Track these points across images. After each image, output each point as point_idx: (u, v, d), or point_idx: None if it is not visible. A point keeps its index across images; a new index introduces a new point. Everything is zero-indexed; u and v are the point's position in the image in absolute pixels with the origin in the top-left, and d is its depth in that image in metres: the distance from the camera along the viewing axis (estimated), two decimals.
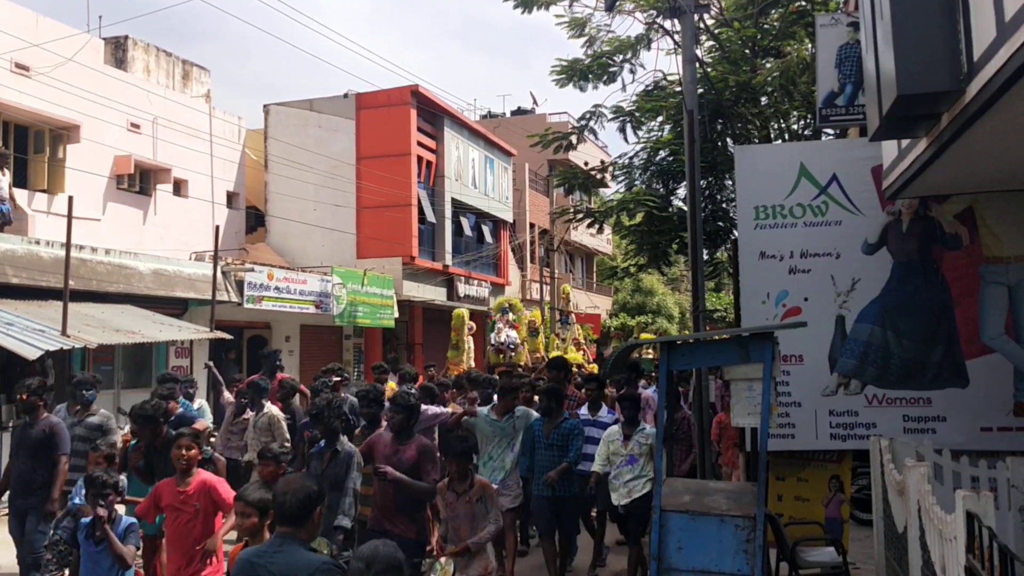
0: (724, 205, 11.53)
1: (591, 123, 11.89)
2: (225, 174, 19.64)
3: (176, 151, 17.44)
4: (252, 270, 15.79)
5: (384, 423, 7.85)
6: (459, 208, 24.44)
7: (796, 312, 6.77)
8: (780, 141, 11.75)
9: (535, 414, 7.10)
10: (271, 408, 8.33)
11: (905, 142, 5.39)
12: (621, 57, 11.43)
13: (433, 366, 13.73)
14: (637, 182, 11.95)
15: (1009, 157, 5.05)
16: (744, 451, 8.23)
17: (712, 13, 11.22)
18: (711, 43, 11.94)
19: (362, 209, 21.53)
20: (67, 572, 5.87)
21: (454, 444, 5.66)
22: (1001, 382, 6.37)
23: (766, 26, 11.29)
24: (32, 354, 9.02)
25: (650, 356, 17.37)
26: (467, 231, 25.03)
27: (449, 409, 8.17)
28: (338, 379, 9.43)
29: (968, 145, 4.59)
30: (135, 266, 13.56)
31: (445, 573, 4.90)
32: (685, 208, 9.37)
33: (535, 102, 36.85)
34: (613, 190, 13.53)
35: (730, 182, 11.17)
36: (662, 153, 11.73)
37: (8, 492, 6.57)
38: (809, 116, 11.18)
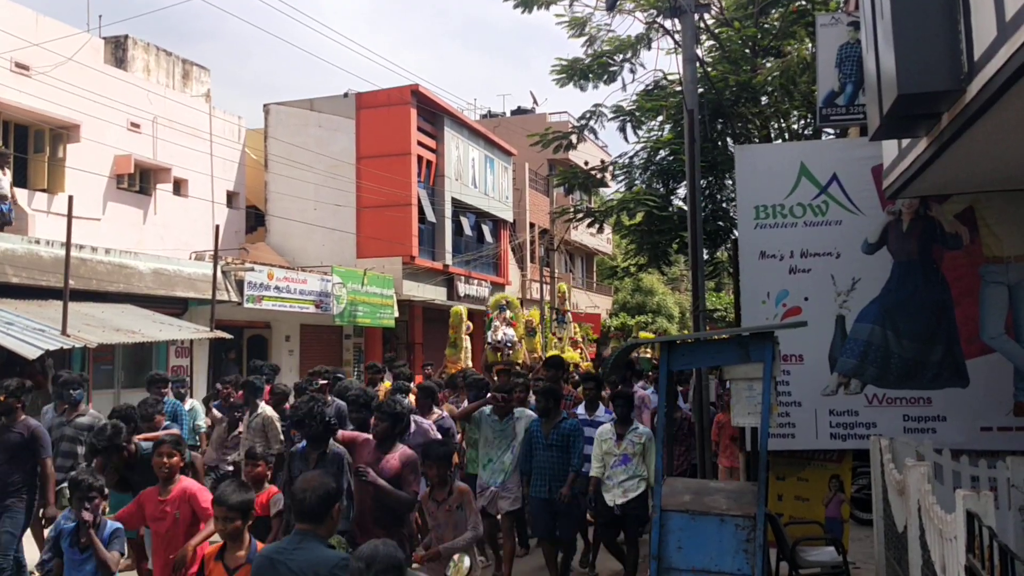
0: (724, 205, 11.53)
1: (591, 122, 11.89)
2: (225, 174, 19.65)
3: (176, 151, 17.45)
4: (252, 270, 15.79)
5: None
6: (459, 208, 24.45)
7: (796, 312, 6.76)
8: (780, 141, 11.75)
9: (534, 415, 7.01)
10: (265, 409, 8.16)
11: (905, 142, 5.38)
12: (621, 56, 11.43)
13: (430, 365, 13.69)
14: (637, 182, 11.95)
15: (1009, 157, 5.05)
16: (744, 451, 8.24)
17: (712, 13, 11.22)
18: (711, 43, 11.94)
19: (362, 209, 21.54)
20: None
21: (434, 447, 5.52)
22: (1001, 382, 6.37)
23: (766, 26, 11.29)
24: (32, 353, 9.03)
25: (648, 355, 17.34)
26: (467, 231, 25.04)
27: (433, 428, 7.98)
28: (324, 381, 9.27)
29: (968, 145, 4.59)
30: (135, 266, 13.56)
31: (459, 571, 4.83)
32: (685, 208, 9.37)
33: (535, 102, 36.88)
34: (613, 190, 13.54)
35: (730, 182, 11.17)
36: (662, 153, 11.73)
37: None
38: (809, 116, 11.18)
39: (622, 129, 11.66)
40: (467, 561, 4.78)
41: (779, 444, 6.71)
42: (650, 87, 11.96)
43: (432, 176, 23.04)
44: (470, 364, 15.31)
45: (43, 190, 14.55)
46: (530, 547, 8.10)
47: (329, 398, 8.69)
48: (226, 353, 17.09)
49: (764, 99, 11.19)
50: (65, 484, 5.92)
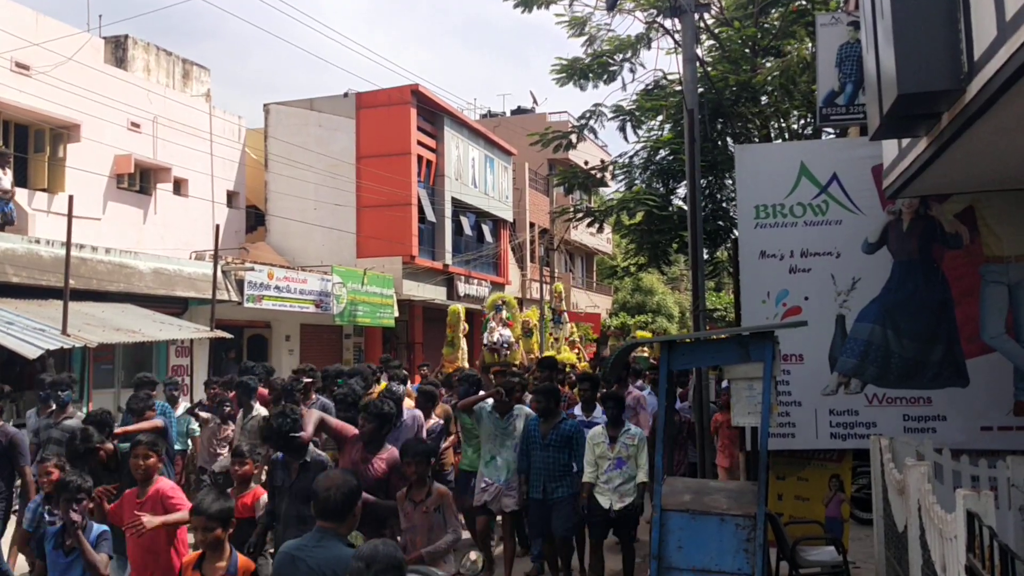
0: (724, 204, 11.52)
1: (591, 122, 11.89)
2: (225, 173, 19.66)
3: (176, 150, 17.45)
4: (252, 269, 15.80)
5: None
6: (459, 207, 24.45)
7: (796, 311, 6.76)
8: (780, 140, 11.75)
9: (532, 413, 6.95)
10: (260, 410, 8.05)
11: (905, 141, 5.38)
12: (621, 56, 11.44)
13: (427, 365, 13.60)
14: (637, 181, 11.95)
15: (1009, 156, 5.05)
16: (744, 450, 8.23)
17: (712, 12, 11.22)
18: (711, 42, 11.95)
19: (362, 208, 21.55)
20: None
21: (414, 444, 5.33)
22: (1001, 381, 6.37)
23: (766, 25, 11.29)
24: (32, 353, 9.03)
25: (645, 355, 17.24)
26: (467, 230, 25.04)
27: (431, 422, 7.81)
28: (309, 380, 9.24)
29: (968, 144, 4.59)
30: (135, 265, 13.56)
31: (475, 566, 4.79)
32: (685, 207, 9.36)
33: (535, 101, 36.89)
34: (613, 189, 13.54)
35: (730, 181, 11.17)
36: (662, 152, 11.73)
37: None
38: (809, 115, 11.18)
39: (622, 129, 11.67)
40: (473, 555, 4.73)
41: (779, 444, 6.71)
42: (650, 87, 11.97)
43: (432, 176, 23.04)
44: (467, 364, 15.22)
45: (43, 190, 14.56)
46: (530, 547, 8.08)
47: (314, 396, 8.68)
48: (226, 353, 17.09)
49: (764, 99, 11.19)
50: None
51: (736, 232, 9.77)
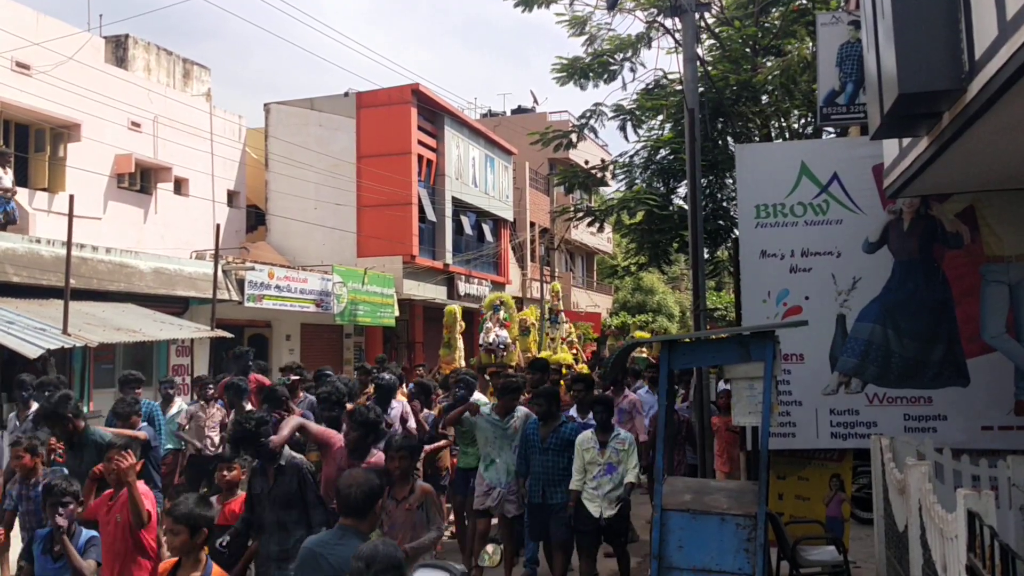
0: (725, 204, 11.52)
1: (591, 121, 11.88)
2: (226, 173, 19.66)
3: (177, 150, 17.46)
4: (253, 269, 15.81)
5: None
6: (459, 207, 24.45)
7: (797, 311, 6.76)
8: (781, 140, 11.75)
9: (532, 414, 6.84)
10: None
11: (906, 141, 5.38)
12: (622, 55, 11.43)
13: (423, 366, 13.55)
14: (638, 181, 11.94)
15: (1010, 156, 5.05)
16: (745, 450, 8.22)
17: (713, 12, 11.22)
18: (712, 42, 11.94)
19: (362, 208, 21.55)
20: None
21: (399, 438, 5.21)
22: (1002, 381, 6.37)
23: (767, 25, 11.29)
24: (33, 353, 9.03)
25: (644, 355, 17.15)
26: (467, 230, 25.05)
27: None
28: (296, 378, 9.17)
29: (969, 144, 4.59)
30: (136, 265, 13.57)
31: (492, 561, 4.76)
32: (686, 207, 9.36)
33: (535, 101, 36.89)
34: (613, 189, 13.53)
35: (731, 181, 11.17)
36: (663, 152, 11.72)
37: None
38: (810, 115, 11.18)
39: (622, 128, 11.67)
40: (499, 555, 4.69)
41: (780, 443, 6.71)
42: (650, 86, 11.96)
43: (432, 175, 23.04)
44: (464, 365, 15.10)
45: (44, 189, 14.56)
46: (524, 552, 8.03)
47: (301, 395, 8.66)
48: (227, 352, 17.09)
49: (764, 98, 11.19)
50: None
51: (737, 231, 9.76)
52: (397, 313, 21.01)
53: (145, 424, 7.13)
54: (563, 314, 19.43)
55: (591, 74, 11.47)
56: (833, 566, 6.15)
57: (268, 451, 4.97)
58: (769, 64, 10.71)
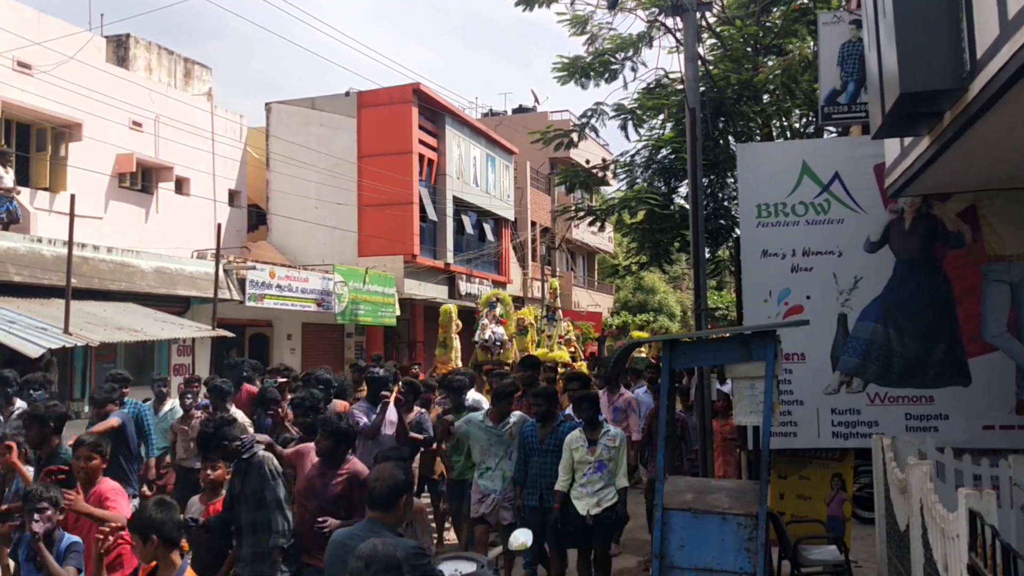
0: (726, 203, 11.51)
1: (592, 121, 11.87)
2: (227, 172, 19.67)
3: (178, 149, 17.46)
4: (254, 268, 15.81)
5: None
6: (460, 206, 24.45)
7: (798, 310, 6.76)
8: (782, 139, 11.74)
9: (527, 417, 6.74)
10: (235, 413, 7.72)
11: (908, 140, 5.38)
12: (623, 55, 11.42)
13: (418, 365, 13.48)
14: (639, 180, 11.94)
15: (1012, 155, 5.04)
16: (745, 450, 8.22)
17: (714, 11, 11.21)
18: (713, 41, 11.93)
19: (363, 207, 21.56)
20: None
21: (388, 454, 5.11)
22: (1003, 380, 6.37)
23: (768, 24, 11.28)
24: (34, 352, 9.05)
25: (642, 354, 17.08)
26: (468, 229, 25.05)
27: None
28: (283, 380, 9.05)
29: (970, 143, 4.59)
30: (137, 264, 13.58)
31: (523, 545, 4.75)
32: (687, 206, 9.35)
33: (536, 100, 36.89)
34: (615, 188, 13.52)
35: (732, 180, 11.16)
36: (664, 151, 11.71)
37: None
38: (811, 114, 11.17)
39: (623, 127, 11.66)
40: (520, 535, 4.68)
41: (781, 443, 6.71)
42: (651, 85, 11.96)
43: (433, 175, 23.05)
44: (460, 364, 15.01)
45: (45, 189, 14.57)
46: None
47: (289, 396, 8.60)
48: (227, 351, 17.11)
49: (766, 97, 11.18)
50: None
51: (738, 231, 9.76)
52: (398, 312, 21.01)
53: (123, 411, 6.99)
54: (560, 311, 19.25)
55: (592, 73, 11.46)
56: (834, 565, 6.15)
57: (232, 452, 4.93)
58: (770, 63, 10.71)
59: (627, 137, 12.12)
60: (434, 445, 7.60)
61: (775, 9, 11.16)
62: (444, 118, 23.31)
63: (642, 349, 17.81)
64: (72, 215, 10.73)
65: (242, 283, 15.42)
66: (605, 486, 6.18)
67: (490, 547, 7.10)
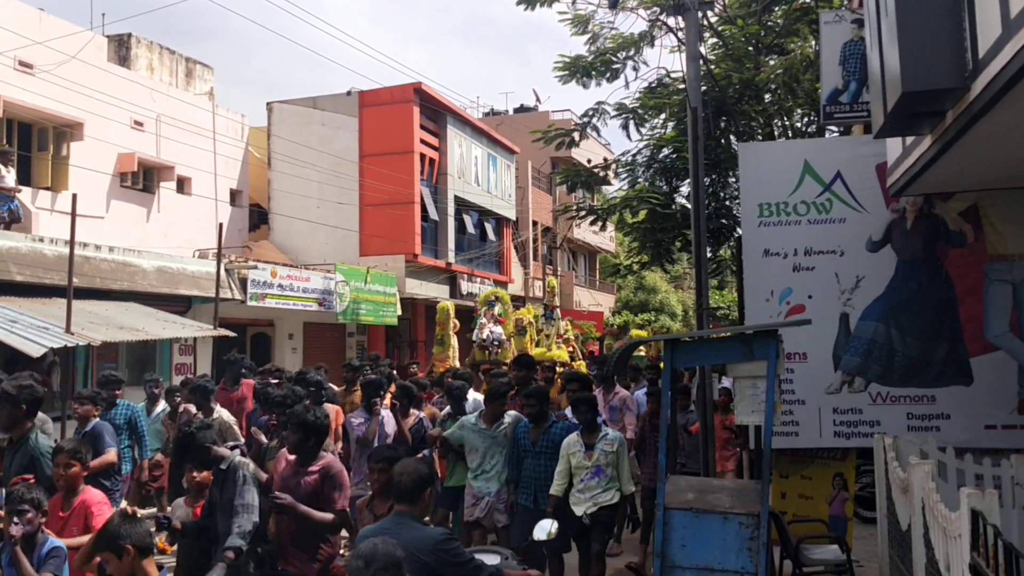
0: (728, 202, 11.51)
1: (594, 120, 11.86)
2: (228, 172, 19.67)
3: (179, 149, 17.47)
4: (255, 267, 15.81)
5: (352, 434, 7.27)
6: (462, 206, 24.45)
7: (800, 310, 6.76)
8: (784, 138, 11.73)
9: (521, 417, 6.63)
10: (221, 412, 7.71)
11: (910, 139, 5.38)
12: (624, 54, 11.41)
13: (416, 364, 13.45)
14: (640, 179, 11.93)
15: (1014, 154, 5.04)
16: (747, 449, 8.21)
17: (716, 10, 11.20)
18: (715, 40, 11.93)
19: (365, 207, 21.56)
20: None
21: (379, 451, 4.96)
22: (1005, 379, 6.36)
23: (770, 23, 11.27)
24: (36, 351, 9.04)
25: (641, 354, 17.03)
26: (470, 229, 25.05)
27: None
28: (275, 380, 9.01)
29: (973, 142, 4.58)
30: (139, 264, 13.58)
31: (550, 534, 4.74)
32: (688, 205, 9.34)
33: (538, 99, 36.89)
34: (616, 187, 13.51)
35: (734, 179, 11.15)
36: (665, 150, 11.70)
37: None
38: (813, 113, 11.16)
39: (625, 127, 11.65)
40: (546, 523, 4.68)
41: (783, 442, 6.71)
42: (653, 84, 11.94)
43: (435, 174, 23.05)
44: (458, 363, 14.94)
45: (47, 188, 14.58)
46: None
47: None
48: (230, 351, 17.11)
49: (767, 97, 11.17)
50: None
51: (739, 230, 9.75)
52: (400, 312, 21.01)
53: (102, 422, 6.84)
54: (558, 310, 19.13)
55: (593, 73, 11.45)
56: (836, 565, 6.15)
57: (209, 458, 4.80)
58: (772, 63, 10.70)
59: (628, 136, 12.19)
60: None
61: (777, 8, 11.15)
62: (445, 118, 23.31)
63: (642, 348, 17.77)
64: (74, 214, 10.72)
65: (244, 283, 15.42)
66: (604, 491, 6.06)
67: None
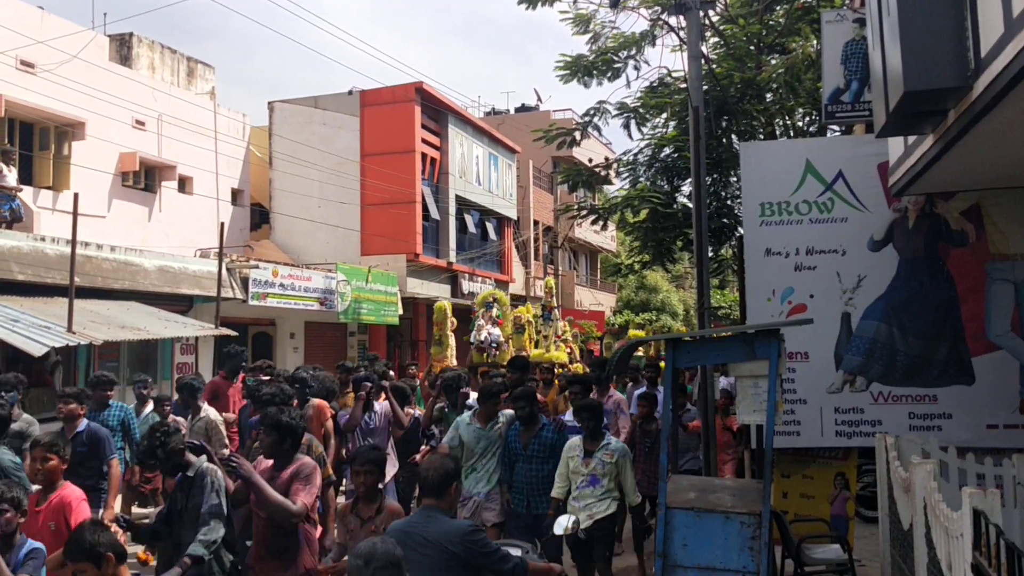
0: (729, 202, 11.50)
1: (595, 119, 11.85)
2: (230, 171, 19.68)
3: (181, 148, 17.47)
4: (257, 267, 15.82)
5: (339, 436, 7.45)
6: (463, 205, 24.45)
7: (802, 309, 6.75)
8: (785, 138, 11.72)
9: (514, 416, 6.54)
10: (208, 411, 7.66)
11: (911, 139, 5.37)
12: (625, 53, 11.40)
13: (415, 364, 13.46)
14: (641, 179, 11.92)
15: (1016, 154, 5.03)
16: (749, 449, 8.21)
17: (717, 10, 11.19)
18: (716, 39, 11.92)
19: (366, 206, 21.57)
20: None
21: (363, 452, 4.78)
22: (1007, 379, 6.36)
23: (771, 22, 11.26)
24: (37, 350, 9.05)
25: (640, 353, 16.98)
26: (471, 228, 25.05)
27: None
28: (267, 377, 8.96)
29: (975, 142, 4.58)
30: (140, 263, 13.59)
31: (568, 529, 4.74)
32: (690, 205, 9.33)
33: (539, 99, 36.91)
34: (617, 187, 13.50)
35: (735, 179, 11.14)
36: (667, 150, 11.70)
37: None
38: (814, 113, 11.15)
39: (626, 126, 11.64)
40: (564, 518, 4.71)
41: (784, 442, 6.70)
42: (654, 84, 11.94)
43: (436, 173, 23.05)
44: (455, 363, 14.88)
45: (48, 188, 14.59)
46: None
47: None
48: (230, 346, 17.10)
49: (769, 96, 11.16)
50: None
51: (741, 230, 9.74)
52: (401, 311, 21.02)
53: (97, 425, 6.74)
54: (556, 310, 19.04)
55: (595, 72, 11.44)
56: (838, 564, 6.15)
57: (175, 463, 4.68)
58: (774, 62, 10.69)
59: (630, 136, 12.19)
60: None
61: (778, 7, 11.14)
62: (447, 117, 23.31)
63: (641, 348, 17.73)
64: (75, 214, 10.73)
65: (245, 282, 15.43)
66: (597, 500, 5.94)
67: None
